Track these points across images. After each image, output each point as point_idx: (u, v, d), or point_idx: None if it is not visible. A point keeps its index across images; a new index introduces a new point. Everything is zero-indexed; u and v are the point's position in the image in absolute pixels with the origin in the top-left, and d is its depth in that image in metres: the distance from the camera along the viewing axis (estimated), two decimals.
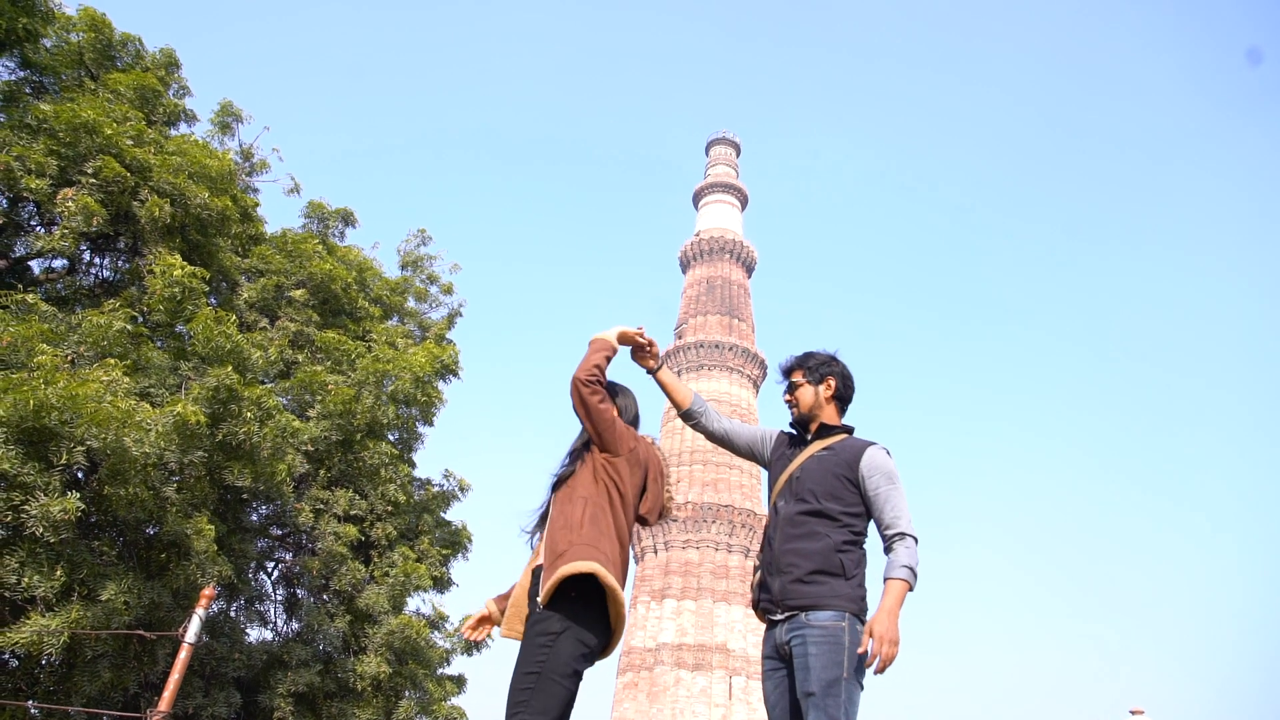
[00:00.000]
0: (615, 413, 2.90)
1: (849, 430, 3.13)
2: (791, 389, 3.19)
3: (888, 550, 2.83)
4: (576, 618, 2.53)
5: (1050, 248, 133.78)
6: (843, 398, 3.18)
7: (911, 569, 2.73)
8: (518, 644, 2.62)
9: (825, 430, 3.11)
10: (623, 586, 2.62)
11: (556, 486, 2.86)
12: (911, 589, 2.72)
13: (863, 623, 2.78)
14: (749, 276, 50.98)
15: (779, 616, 2.86)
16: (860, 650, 2.65)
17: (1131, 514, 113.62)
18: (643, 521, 2.88)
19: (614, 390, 3.07)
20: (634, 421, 3.06)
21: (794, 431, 3.25)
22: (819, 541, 2.85)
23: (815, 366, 3.17)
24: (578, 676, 2.51)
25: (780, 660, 2.88)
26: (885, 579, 2.75)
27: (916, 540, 2.80)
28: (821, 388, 3.15)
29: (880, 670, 2.59)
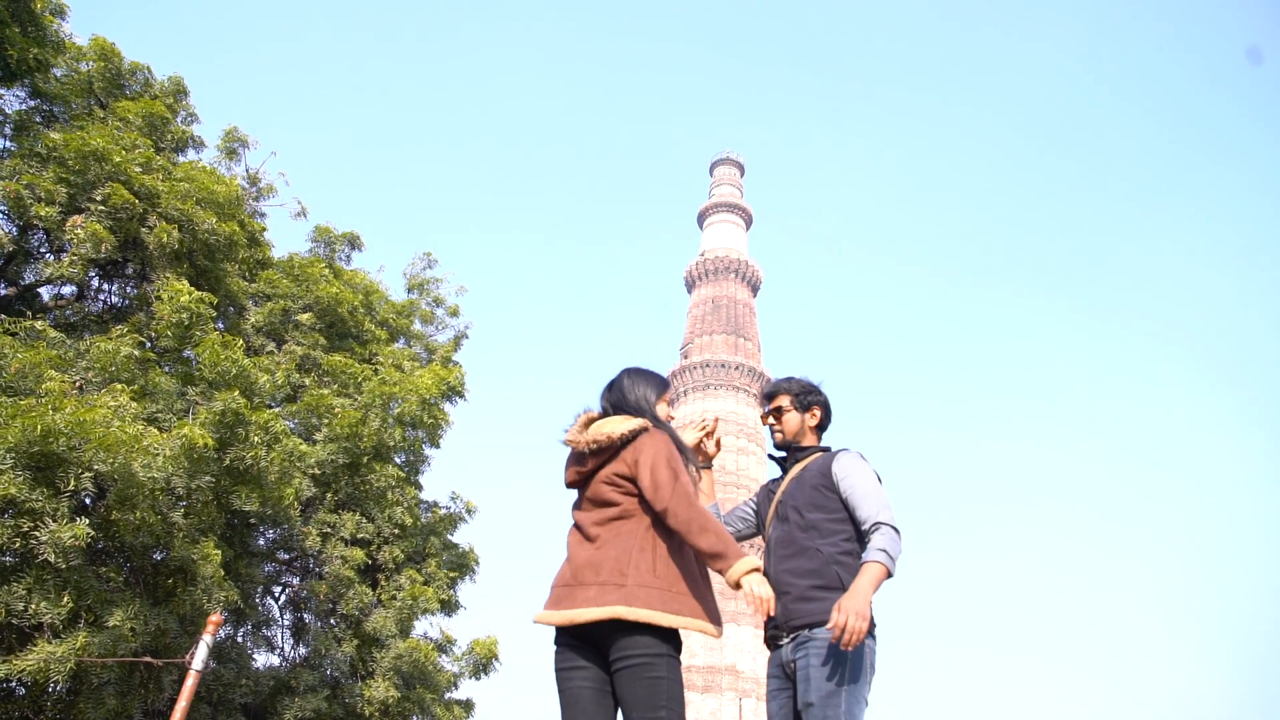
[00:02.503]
0: None
1: (824, 449, 3.19)
2: (777, 414, 3.25)
3: (866, 541, 2.84)
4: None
5: (1055, 259, 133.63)
6: (823, 425, 3.27)
7: (888, 553, 2.72)
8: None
9: (803, 453, 3.18)
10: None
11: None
12: (890, 575, 2.71)
13: (870, 636, 2.76)
14: (754, 295, 51.02)
15: (785, 640, 2.86)
16: (829, 626, 2.63)
17: (1136, 531, 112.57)
18: (575, 487, 2.86)
19: None
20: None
21: (777, 466, 3.31)
22: (813, 559, 2.86)
23: (801, 394, 3.22)
24: (560, 674, 2.54)
25: (786, 679, 2.86)
26: (861, 562, 2.76)
27: (898, 531, 2.80)
28: (807, 416, 3.22)
29: (846, 645, 2.57)
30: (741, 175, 57.28)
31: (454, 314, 12.90)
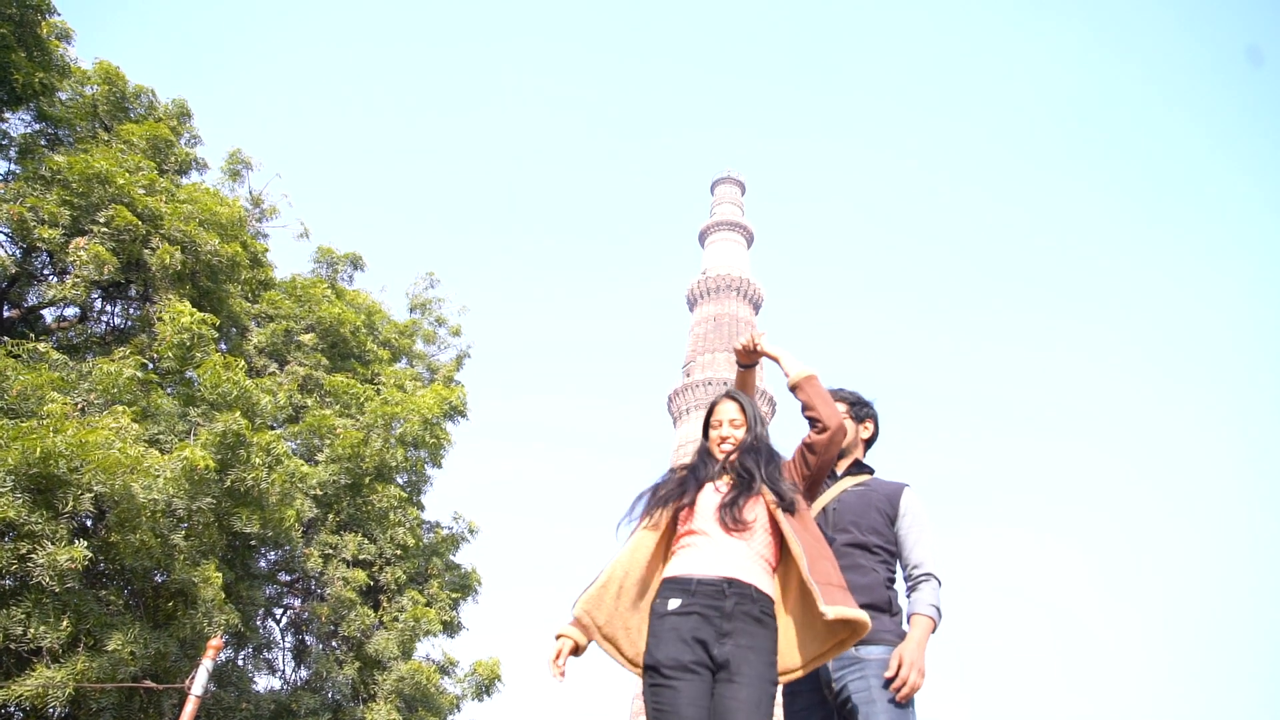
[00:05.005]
0: None
1: (872, 471, 3.17)
2: None
3: (913, 589, 2.86)
4: None
5: (1055, 269, 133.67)
6: (872, 441, 3.25)
7: (937, 608, 2.78)
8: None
9: (858, 467, 3.15)
10: None
11: (785, 508, 2.62)
12: (935, 629, 2.75)
13: None
14: (756, 313, 51.04)
15: (824, 649, 2.77)
16: (888, 675, 2.63)
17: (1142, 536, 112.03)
18: None
19: None
20: None
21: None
22: (866, 576, 2.85)
23: (857, 404, 3.22)
24: None
25: (818, 695, 2.79)
26: (911, 614, 2.78)
27: (941, 584, 2.84)
28: (860, 427, 3.20)
29: (904, 698, 2.59)
30: (742, 194, 57.46)
31: (456, 333, 12.91)
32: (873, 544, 2.91)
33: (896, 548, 2.95)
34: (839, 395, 3.22)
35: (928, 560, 2.86)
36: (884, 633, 2.75)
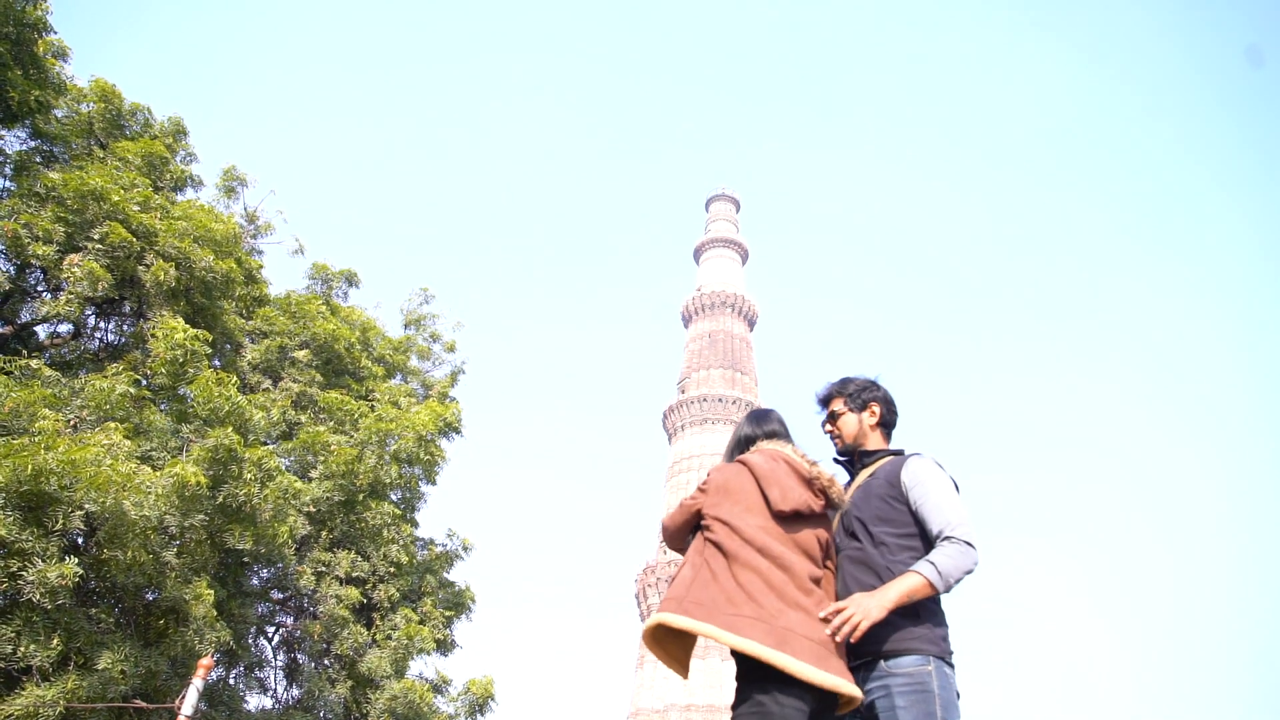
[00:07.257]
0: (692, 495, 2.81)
1: (896, 453, 2.85)
2: (833, 419, 2.95)
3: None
4: (765, 690, 2.34)
5: (1054, 278, 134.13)
6: (887, 423, 2.93)
7: (936, 566, 2.45)
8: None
9: (869, 457, 2.87)
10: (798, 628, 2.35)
11: None
12: (935, 591, 2.45)
13: (950, 665, 2.49)
14: (751, 330, 51.16)
15: (851, 664, 2.51)
16: (830, 611, 2.40)
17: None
18: (796, 518, 2.53)
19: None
20: (744, 443, 2.84)
21: (844, 470, 3.00)
22: (882, 578, 2.55)
23: (855, 393, 2.93)
24: None
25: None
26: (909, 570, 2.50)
27: (972, 546, 2.50)
28: (865, 415, 2.91)
29: (832, 631, 2.37)
30: (737, 211, 57.75)
31: (451, 349, 12.91)
32: (882, 536, 2.60)
33: (922, 530, 2.61)
34: (837, 389, 2.98)
35: (947, 524, 2.52)
36: (913, 640, 2.47)
